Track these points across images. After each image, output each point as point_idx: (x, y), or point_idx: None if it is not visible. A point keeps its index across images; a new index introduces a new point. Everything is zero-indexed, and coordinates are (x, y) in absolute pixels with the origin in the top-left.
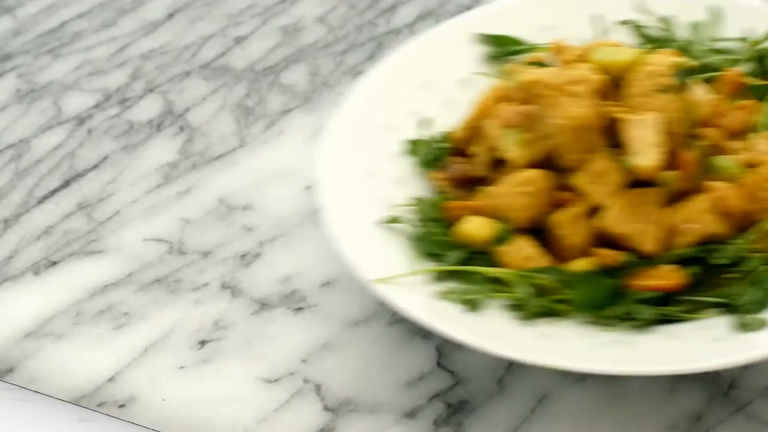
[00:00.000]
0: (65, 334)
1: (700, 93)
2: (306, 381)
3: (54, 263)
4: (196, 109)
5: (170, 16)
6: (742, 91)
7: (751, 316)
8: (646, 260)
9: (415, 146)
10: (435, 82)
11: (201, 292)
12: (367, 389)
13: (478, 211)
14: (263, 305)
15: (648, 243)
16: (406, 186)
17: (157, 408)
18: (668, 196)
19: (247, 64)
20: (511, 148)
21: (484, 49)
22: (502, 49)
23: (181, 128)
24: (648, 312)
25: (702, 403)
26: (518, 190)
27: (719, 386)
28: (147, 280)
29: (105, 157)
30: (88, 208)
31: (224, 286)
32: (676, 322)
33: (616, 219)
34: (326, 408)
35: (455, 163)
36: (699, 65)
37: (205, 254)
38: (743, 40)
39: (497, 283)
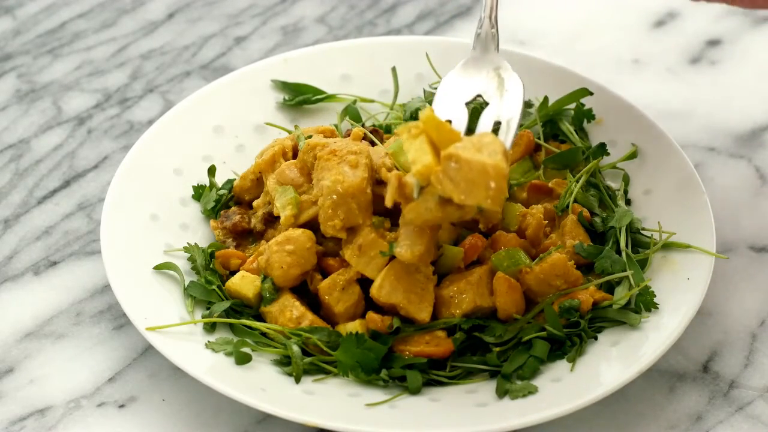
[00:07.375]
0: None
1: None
2: None
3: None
4: None
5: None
6: (534, 150)
7: (517, 383)
8: (418, 326)
9: (200, 192)
10: (230, 127)
11: None
12: None
13: (245, 265)
14: None
15: (421, 312)
16: (189, 232)
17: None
18: (444, 267)
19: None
20: (282, 205)
21: (281, 96)
22: (298, 96)
23: None
24: (416, 378)
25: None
26: (279, 248)
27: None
28: None
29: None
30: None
31: None
32: (444, 385)
33: (386, 290)
34: None
35: (233, 213)
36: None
37: None
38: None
39: (267, 337)
